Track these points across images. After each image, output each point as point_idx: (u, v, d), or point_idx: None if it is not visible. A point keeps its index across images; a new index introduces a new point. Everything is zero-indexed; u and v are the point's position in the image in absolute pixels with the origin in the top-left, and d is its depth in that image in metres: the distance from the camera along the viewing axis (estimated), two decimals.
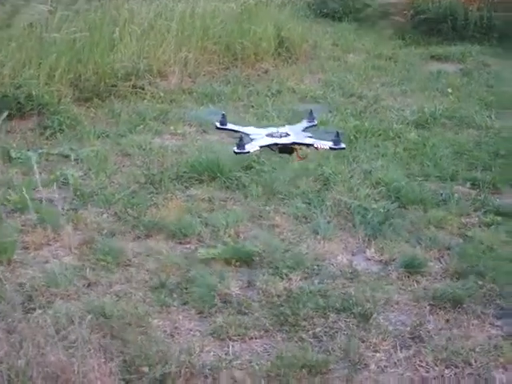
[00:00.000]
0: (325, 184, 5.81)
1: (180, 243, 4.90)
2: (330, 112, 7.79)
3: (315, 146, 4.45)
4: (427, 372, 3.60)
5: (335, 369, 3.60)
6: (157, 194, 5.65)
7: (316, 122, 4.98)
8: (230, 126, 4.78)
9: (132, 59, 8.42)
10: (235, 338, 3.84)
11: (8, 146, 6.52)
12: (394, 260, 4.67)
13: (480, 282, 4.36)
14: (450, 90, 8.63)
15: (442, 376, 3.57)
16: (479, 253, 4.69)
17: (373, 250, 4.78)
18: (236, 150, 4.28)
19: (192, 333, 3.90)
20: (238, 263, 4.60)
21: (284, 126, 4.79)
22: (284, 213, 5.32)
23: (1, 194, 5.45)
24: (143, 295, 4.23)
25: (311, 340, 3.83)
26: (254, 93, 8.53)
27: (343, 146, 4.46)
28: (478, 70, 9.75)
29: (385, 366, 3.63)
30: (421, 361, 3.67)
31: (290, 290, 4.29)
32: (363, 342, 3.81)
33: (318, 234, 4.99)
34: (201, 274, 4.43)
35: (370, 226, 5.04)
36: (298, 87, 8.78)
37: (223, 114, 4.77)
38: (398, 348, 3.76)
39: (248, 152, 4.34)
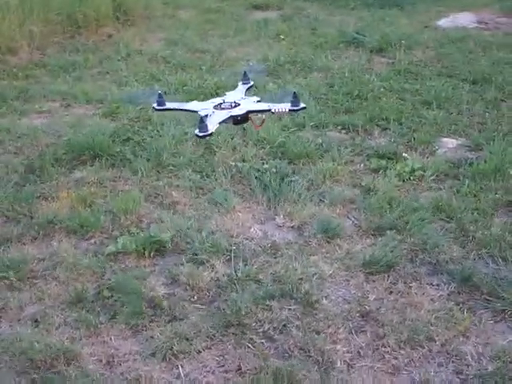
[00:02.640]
0: (207, 148, 4.71)
1: (83, 239, 3.70)
2: (183, 70, 6.59)
3: (272, 110, 3.26)
4: (396, 358, 2.71)
5: (304, 375, 2.62)
6: (41, 182, 4.34)
7: (252, 83, 3.72)
8: (169, 104, 3.47)
9: None
10: (181, 355, 2.79)
11: None
12: (306, 224, 3.71)
13: (399, 237, 3.50)
14: (282, 37, 7.62)
15: (413, 360, 2.69)
16: (384, 204, 3.81)
17: (281, 216, 3.80)
18: (199, 134, 3.05)
19: (132, 357, 2.80)
20: (151, 254, 3.48)
21: (224, 94, 3.60)
22: (178, 186, 4.20)
23: None
24: (62, 315, 3.05)
25: (264, 341, 2.84)
26: (105, 58, 7.15)
27: (303, 105, 3.31)
28: (297, 15, 8.78)
29: (351, 360, 2.71)
30: (384, 346, 2.78)
31: (218, 279, 3.26)
32: (318, 333, 2.86)
33: (221, 205, 3.92)
34: (118, 276, 3.28)
35: (269, 190, 4.03)
36: (144, 49, 7.46)
37: (160, 94, 3.43)
38: (354, 334, 2.85)
39: (211, 134, 3.10)
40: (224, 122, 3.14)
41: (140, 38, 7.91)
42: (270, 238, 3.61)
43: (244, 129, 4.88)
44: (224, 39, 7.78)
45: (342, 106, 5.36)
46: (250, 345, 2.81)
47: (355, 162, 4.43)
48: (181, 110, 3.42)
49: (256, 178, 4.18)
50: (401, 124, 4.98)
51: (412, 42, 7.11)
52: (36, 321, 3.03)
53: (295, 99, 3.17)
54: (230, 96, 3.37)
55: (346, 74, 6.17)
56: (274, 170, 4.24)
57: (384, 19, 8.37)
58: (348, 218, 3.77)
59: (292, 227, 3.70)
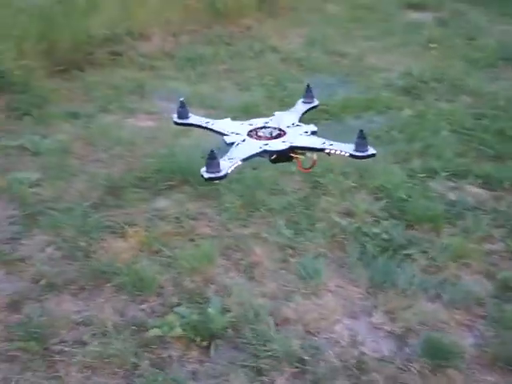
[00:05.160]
0: (314, 187, 3.66)
1: (134, 301, 2.82)
2: (314, 76, 5.51)
3: (327, 151, 2.00)
4: None
5: None
6: (118, 207, 3.51)
7: (316, 102, 2.42)
8: (194, 119, 2.32)
9: (111, 23, 6.03)
10: None
11: None
12: (410, 332, 2.59)
13: None
14: (432, 46, 6.29)
15: None
16: None
17: (381, 311, 2.69)
18: (205, 175, 1.92)
19: None
20: (203, 342, 2.53)
21: (273, 114, 2.43)
22: (266, 240, 3.20)
23: None
24: None
25: None
26: (237, 54, 6.22)
27: (372, 151, 2.06)
28: (455, 19, 7.34)
29: None
30: None
31: None
32: None
33: (308, 278, 2.88)
34: (149, 378, 2.36)
35: (373, 266, 2.93)
36: (280, 46, 6.44)
37: (182, 102, 2.28)
38: None
39: (224, 176, 1.97)
40: (253, 157, 1.98)
41: (279, 33, 6.89)
42: (358, 346, 2.53)
43: (361, 167, 3.77)
44: (368, 42, 6.58)
45: (490, 150, 4.06)
46: None
47: (494, 239, 3.20)
48: (206, 128, 2.25)
49: (360, 245, 3.08)
50: None
51: None
52: None
53: (362, 141, 1.92)
54: (278, 119, 2.17)
55: (501, 104, 4.80)
56: (386, 237, 3.13)
57: None
58: (471, 332, 2.60)
59: (391, 333, 2.60)
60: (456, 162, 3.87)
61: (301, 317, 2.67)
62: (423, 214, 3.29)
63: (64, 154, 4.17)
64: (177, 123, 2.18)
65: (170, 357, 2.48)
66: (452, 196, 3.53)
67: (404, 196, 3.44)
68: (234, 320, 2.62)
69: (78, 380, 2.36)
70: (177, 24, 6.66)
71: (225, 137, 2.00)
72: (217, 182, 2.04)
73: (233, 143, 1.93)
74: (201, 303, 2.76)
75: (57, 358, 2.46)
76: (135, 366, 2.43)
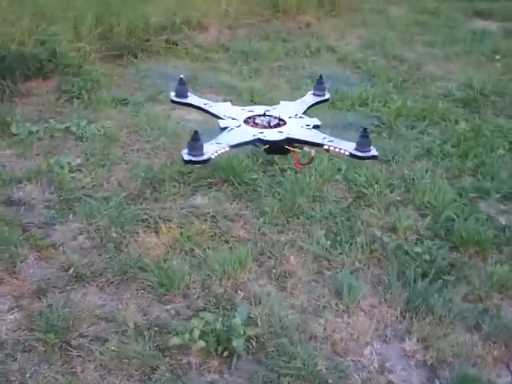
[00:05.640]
0: (357, 197, 3.51)
1: (159, 301, 2.73)
2: (370, 80, 5.33)
3: (326, 147, 1.84)
4: None
5: None
6: (155, 201, 3.43)
7: (327, 95, 2.21)
8: (192, 99, 2.15)
9: (169, 11, 5.97)
10: None
11: (11, 119, 4.32)
12: (443, 364, 2.43)
13: None
14: (497, 57, 6.01)
15: None
16: None
17: (415, 337, 2.53)
18: (185, 157, 1.82)
19: None
20: (224, 353, 2.42)
21: (278, 103, 2.24)
22: (301, 249, 3.07)
23: None
24: None
25: None
26: (292, 51, 6.07)
27: (374, 152, 2.01)
28: None
29: None
30: None
31: None
32: None
33: (341, 295, 2.74)
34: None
35: (411, 288, 2.78)
36: (338, 46, 6.28)
37: (181, 79, 2.11)
38: None
39: (206, 160, 1.87)
40: (245, 144, 1.81)
41: (338, 33, 6.73)
42: (386, 373, 2.39)
43: (408, 180, 3.61)
44: (428, 48, 6.36)
45: None
46: None
47: None
48: (203, 110, 2.08)
49: (400, 264, 2.92)
50: None
51: None
52: None
53: (365, 140, 1.72)
54: (281, 108, 1.98)
55: None
56: (428, 258, 2.96)
57: None
58: (509, 370, 2.42)
59: (423, 363, 2.45)
60: (510, 184, 3.66)
61: (329, 335, 2.54)
62: (470, 236, 3.10)
63: (108, 140, 4.13)
64: (174, 101, 2.03)
65: (189, 364, 2.39)
66: (502, 220, 3.33)
67: (452, 215, 3.25)
68: (259, 332, 2.50)
69: (94, 378, 2.29)
70: (235, 16, 6.55)
71: (220, 121, 1.87)
72: (198, 165, 1.83)
73: (226, 128, 1.80)
74: (227, 309, 2.66)
75: (74, 353, 2.40)
76: (153, 370, 2.34)
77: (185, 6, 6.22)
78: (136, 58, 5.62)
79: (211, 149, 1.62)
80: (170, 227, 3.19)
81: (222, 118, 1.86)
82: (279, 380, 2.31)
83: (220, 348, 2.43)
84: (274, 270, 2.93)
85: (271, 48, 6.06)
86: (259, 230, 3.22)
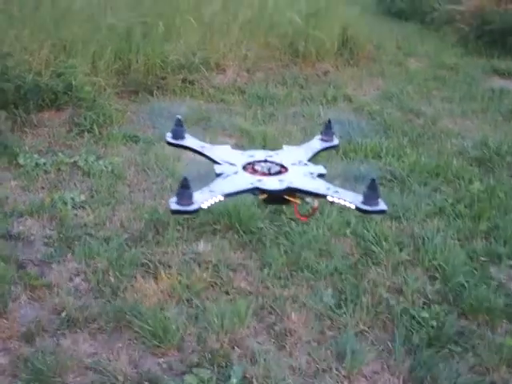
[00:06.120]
0: (365, 255, 3.39)
1: (151, 353, 2.61)
2: (385, 133, 5.25)
3: (329, 198, 1.62)
4: None
5: None
6: (157, 244, 3.34)
7: (336, 141, 2.01)
8: (189, 141, 1.97)
9: (188, 50, 5.96)
10: None
11: (18, 149, 4.27)
12: None
13: None
14: None
15: None
16: None
17: None
18: (172, 206, 1.60)
19: None
20: None
21: (281, 148, 2.04)
22: (304, 306, 2.95)
23: None
24: None
25: None
26: (309, 98, 6.03)
27: (382, 207, 1.71)
28: None
29: None
30: None
31: None
32: None
33: (342, 360, 2.60)
34: None
35: (416, 356, 2.64)
36: (355, 95, 6.22)
37: (178, 120, 1.95)
38: None
39: (196, 210, 1.63)
40: (240, 193, 1.64)
41: (356, 82, 6.70)
42: None
43: (418, 239, 3.49)
44: (446, 103, 6.28)
45: None
46: None
47: None
48: (199, 153, 1.92)
49: (406, 329, 2.79)
50: None
51: None
52: None
53: (372, 193, 1.52)
54: (284, 153, 1.82)
55: None
56: (435, 325, 2.82)
57: None
58: None
59: None
60: None
61: None
62: (480, 304, 2.97)
63: (115, 178, 4.07)
64: (170, 143, 1.90)
65: None
66: None
67: (462, 281, 3.12)
68: None
69: None
70: (253, 60, 6.54)
71: (215, 166, 1.72)
72: (187, 216, 1.64)
73: (221, 174, 1.65)
74: (222, 367, 2.54)
75: None
76: None
77: (205, 47, 6.21)
78: (151, 95, 5.60)
79: (202, 198, 1.47)
80: (170, 274, 3.08)
81: (218, 163, 1.72)
82: None
83: None
84: (275, 326, 2.80)
85: (288, 94, 6.03)
86: (262, 282, 3.10)
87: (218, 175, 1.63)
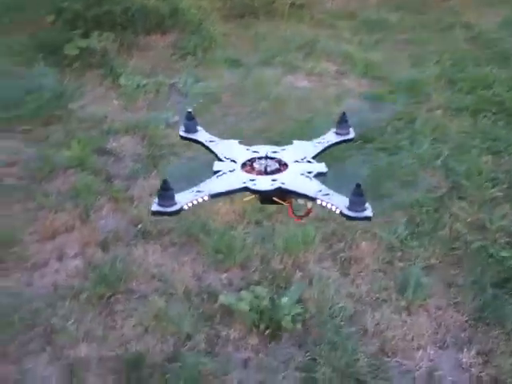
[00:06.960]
0: (452, 187, 3.25)
1: (215, 269, 2.70)
2: (501, 63, 4.87)
3: (318, 201, 1.45)
4: None
5: None
6: None
7: (352, 134, 1.80)
8: (200, 135, 1.86)
9: None
10: None
11: (122, 70, 4.43)
12: (500, 382, 2.17)
13: None
14: None
15: None
16: None
17: (474, 349, 2.30)
18: (153, 208, 1.35)
19: None
20: (266, 332, 2.33)
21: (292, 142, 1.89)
22: (375, 236, 2.89)
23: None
24: None
25: None
26: (422, 24, 5.69)
27: (368, 213, 1.33)
28: None
29: None
30: None
31: None
32: None
33: (405, 290, 2.54)
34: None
35: (485, 295, 2.52)
36: (474, 23, 5.78)
37: (189, 113, 1.84)
38: None
39: (177, 212, 1.34)
40: (230, 194, 1.52)
41: (477, 9, 6.21)
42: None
43: None
44: None
45: None
46: None
47: None
48: (206, 147, 1.82)
49: (480, 267, 2.66)
50: None
51: None
52: None
53: (358, 198, 1.33)
54: (292, 149, 1.66)
55: None
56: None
57: None
58: None
59: (477, 378, 2.22)
60: None
61: (381, 331, 2.36)
62: None
63: (210, 100, 4.10)
64: (183, 137, 1.83)
65: (227, 337, 2.32)
66: None
67: None
68: (306, 316, 2.38)
69: (130, 336, 2.29)
70: None
71: (215, 163, 1.61)
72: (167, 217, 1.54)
73: (218, 172, 1.53)
74: (281, 287, 2.55)
75: (119, 307, 2.41)
76: (188, 338, 2.29)
77: None
78: (257, 19, 5.53)
79: (185, 198, 1.39)
80: (245, 195, 3.10)
81: (220, 160, 1.62)
82: (314, 370, 2.18)
83: (262, 326, 2.34)
84: (341, 254, 2.76)
85: (400, 19, 5.73)
86: None
87: (215, 173, 1.54)
